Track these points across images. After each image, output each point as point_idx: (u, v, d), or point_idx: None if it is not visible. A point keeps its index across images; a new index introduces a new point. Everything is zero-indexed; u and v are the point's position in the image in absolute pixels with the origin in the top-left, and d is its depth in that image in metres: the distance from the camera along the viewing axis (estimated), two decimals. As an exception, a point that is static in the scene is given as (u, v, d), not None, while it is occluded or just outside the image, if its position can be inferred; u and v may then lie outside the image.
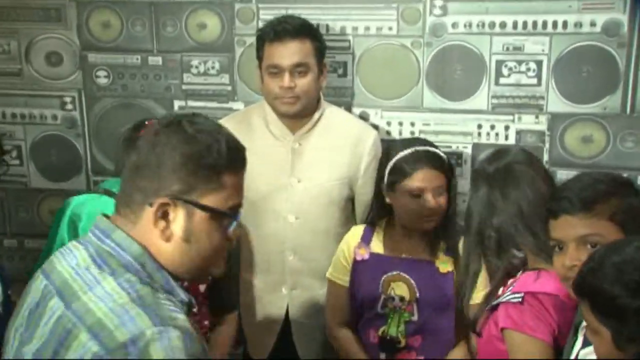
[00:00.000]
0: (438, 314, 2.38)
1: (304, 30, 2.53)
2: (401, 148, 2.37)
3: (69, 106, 3.21)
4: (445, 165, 2.35)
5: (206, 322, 2.48)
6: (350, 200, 2.68)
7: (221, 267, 1.47)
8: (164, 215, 1.38)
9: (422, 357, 2.40)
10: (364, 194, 2.66)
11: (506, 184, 2.00)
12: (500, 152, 2.18)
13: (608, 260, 1.44)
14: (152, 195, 1.38)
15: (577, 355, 1.68)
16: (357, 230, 2.52)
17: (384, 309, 2.41)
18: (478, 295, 2.18)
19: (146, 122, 2.36)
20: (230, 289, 2.58)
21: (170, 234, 1.39)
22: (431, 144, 2.41)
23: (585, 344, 1.65)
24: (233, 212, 1.44)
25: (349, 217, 2.70)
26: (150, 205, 1.38)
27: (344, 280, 2.51)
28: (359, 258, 2.48)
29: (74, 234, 2.25)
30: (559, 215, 1.69)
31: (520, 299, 1.88)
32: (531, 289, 1.89)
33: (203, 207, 1.40)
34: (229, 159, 1.42)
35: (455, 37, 2.82)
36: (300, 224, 2.62)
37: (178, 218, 1.39)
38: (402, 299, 2.38)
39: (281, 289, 2.70)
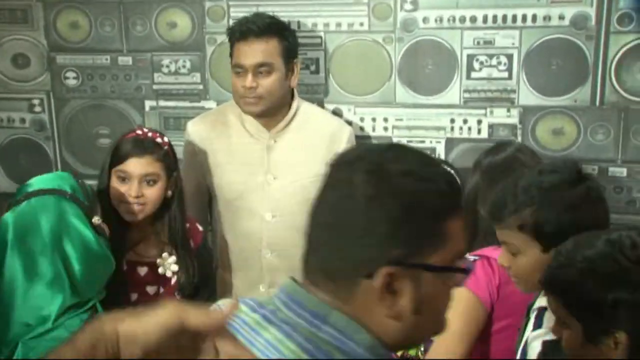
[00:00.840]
0: None
1: (270, 29, 2.56)
2: None
3: (38, 108, 3.24)
4: None
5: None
6: None
7: (444, 325, 1.18)
8: (388, 288, 1.10)
9: None
10: None
11: (496, 176, 2.13)
12: (501, 145, 2.39)
13: (578, 255, 1.47)
14: (366, 264, 1.10)
15: (527, 337, 1.76)
16: None
17: None
18: None
19: (138, 131, 2.40)
20: (211, 291, 2.62)
21: (400, 309, 1.10)
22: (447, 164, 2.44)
23: (536, 326, 1.73)
24: (463, 262, 1.16)
25: None
26: (368, 277, 1.09)
27: None
28: None
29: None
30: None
31: (474, 259, 1.98)
32: (487, 254, 2.01)
33: (436, 269, 1.12)
34: (452, 198, 1.14)
35: (427, 32, 2.89)
36: (276, 222, 2.67)
37: (405, 288, 1.10)
38: None
39: (259, 287, 2.74)
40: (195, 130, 2.75)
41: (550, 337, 1.61)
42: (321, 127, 2.71)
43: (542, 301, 1.73)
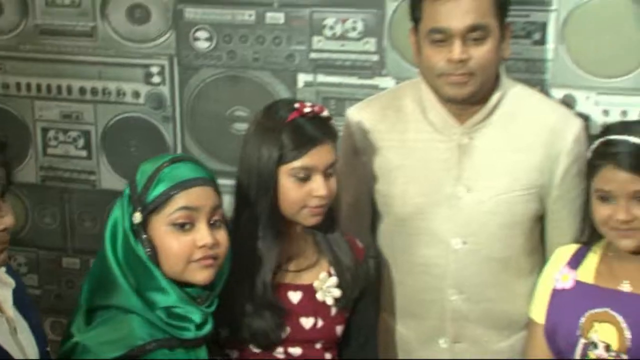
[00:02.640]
0: None
1: None
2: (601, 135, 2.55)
3: (156, 79, 3.45)
4: None
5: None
6: (540, 219, 2.78)
7: None
8: None
9: None
10: (559, 212, 2.76)
11: None
12: None
13: None
14: None
15: None
16: (567, 250, 2.67)
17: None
18: None
19: (296, 105, 2.51)
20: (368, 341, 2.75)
21: None
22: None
23: None
24: None
25: (536, 244, 2.80)
26: None
27: (541, 315, 2.66)
28: (559, 286, 2.62)
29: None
30: None
31: None
32: None
33: None
34: None
35: None
36: (468, 251, 2.74)
37: None
38: (607, 347, 2.46)
39: (438, 341, 2.83)
40: (360, 119, 2.85)
41: None
42: (538, 120, 2.73)
43: None
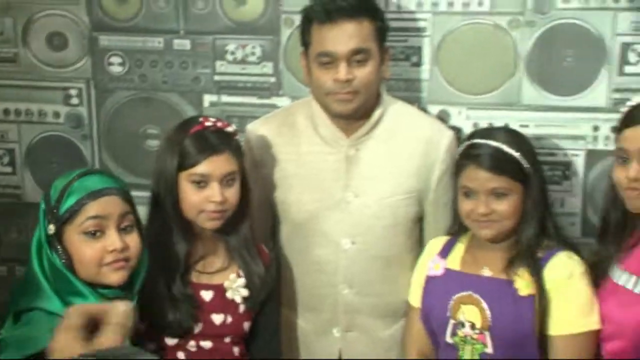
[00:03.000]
0: (517, 349, 2.69)
1: (362, 7, 2.80)
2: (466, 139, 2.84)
3: (75, 100, 3.60)
4: (507, 166, 2.69)
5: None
6: (419, 220, 3.03)
7: None
8: None
9: None
10: (434, 213, 3.00)
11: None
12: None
13: None
14: None
15: None
16: (438, 242, 2.93)
17: (454, 337, 2.77)
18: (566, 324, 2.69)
19: (200, 119, 2.71)
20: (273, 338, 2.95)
21: None
22: (512, 138, 2.77)
23: None
24: None
25: (416, 242, 3.06)
26: None
27: (417, 300, 2.90)
28: (431, 274, 2.87)
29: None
30: None
31: None
32: None
33: None
34: None
35: (567, 13, 3.13)
36: (357, 250, 2.95)
37: None
38: (473, 325, 2.74)
39: (332, 331, 3.05)
40: (258, 135, 3.05)
41: None
42: (414, 132, 2.96)
43: None
